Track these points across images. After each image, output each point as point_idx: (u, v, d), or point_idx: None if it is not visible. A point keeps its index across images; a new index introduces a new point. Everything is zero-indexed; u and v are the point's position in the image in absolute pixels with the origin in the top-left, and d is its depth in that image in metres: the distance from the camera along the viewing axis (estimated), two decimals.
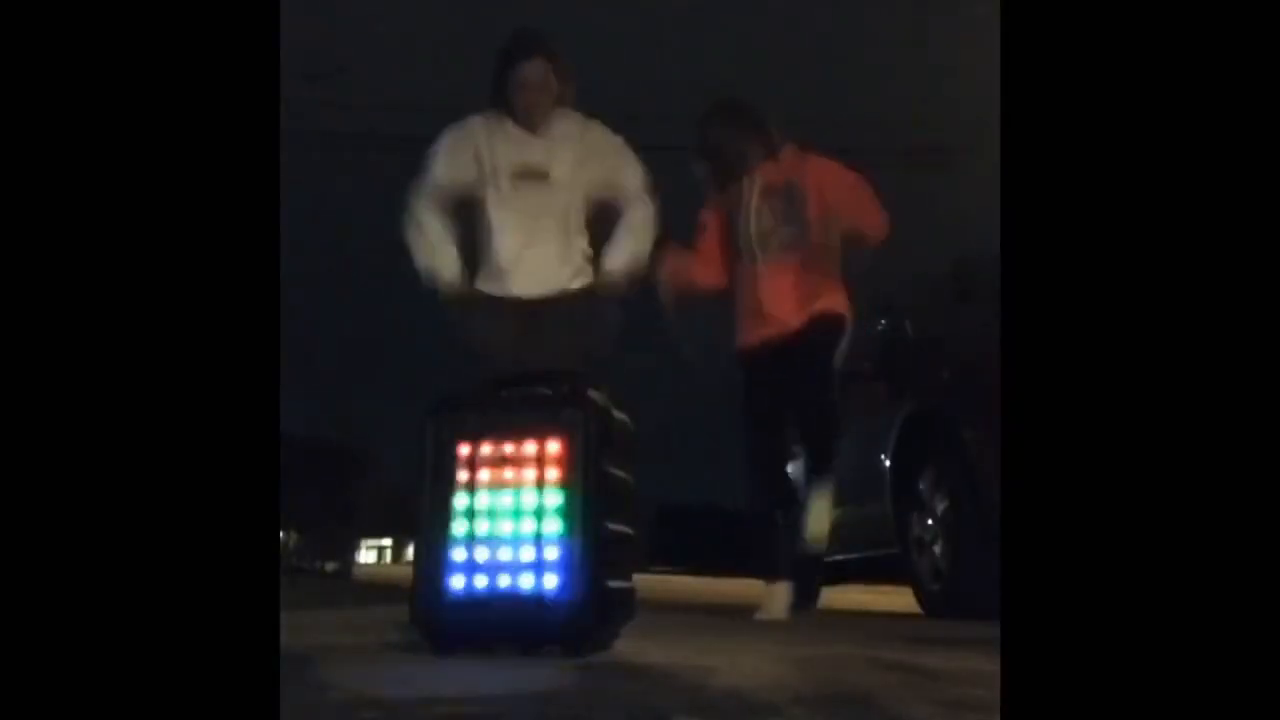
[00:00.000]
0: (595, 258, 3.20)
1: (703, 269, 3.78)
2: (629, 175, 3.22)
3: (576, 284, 3.18)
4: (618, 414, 2.27)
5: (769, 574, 3.69)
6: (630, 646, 2.20)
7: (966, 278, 4.28)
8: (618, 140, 3.25)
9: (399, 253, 3.18)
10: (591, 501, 2.06)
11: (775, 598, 3.62)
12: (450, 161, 3.17)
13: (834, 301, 3.70)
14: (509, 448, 2.10)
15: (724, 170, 3.77)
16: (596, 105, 3.32)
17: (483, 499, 2.10)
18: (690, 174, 3.93)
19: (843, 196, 3.71)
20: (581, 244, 3.20)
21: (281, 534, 9.64)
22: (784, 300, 3.64)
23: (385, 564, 50.58)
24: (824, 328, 3.66)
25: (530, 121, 3.12)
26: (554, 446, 2.09)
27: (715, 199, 3.81)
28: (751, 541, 3.82)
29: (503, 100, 3.13)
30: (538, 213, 3.13)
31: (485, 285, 3.20)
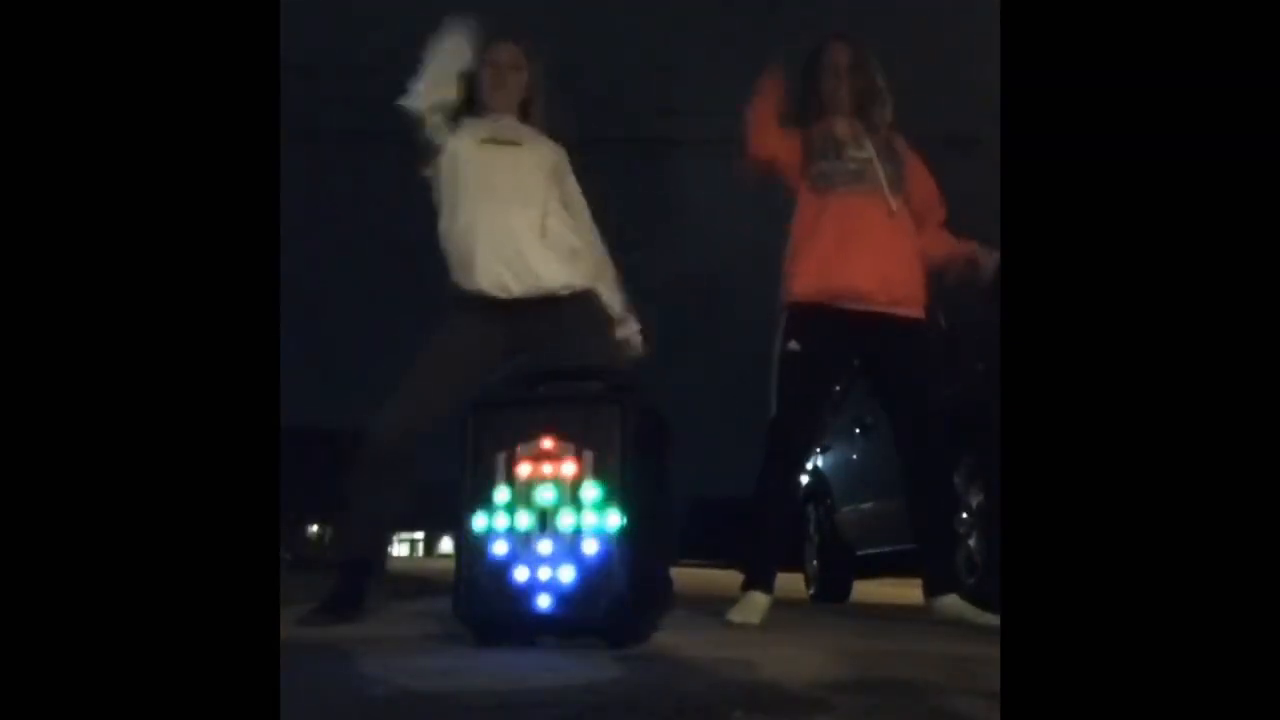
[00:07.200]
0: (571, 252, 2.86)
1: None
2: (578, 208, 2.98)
3: (561, 283, 2.79)
4: (653, 407, 2.29)
5: (756, 578, 3.14)
6: (669, 638, 2.22)
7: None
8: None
9: (422, 250, 3.01)
10: (630, 495, 2.08)
11: (753, 605, 3.07)
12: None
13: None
14: (548, 443, 2.13)
15: (815, 98, 3.18)
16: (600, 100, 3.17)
17: (523, 493, 2.12)
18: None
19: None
20: (557, 228, 2.84)
21: (315, 528, 9.72)
22: (896, 247, 3.07)
23: (418, 557, 51.00)
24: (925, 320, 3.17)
25: (496, 103, 2.95)
26: (593, 441, 2.11)
27: (793, 129, 3.16)
28: (757, 537, 3.26)
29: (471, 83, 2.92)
30: (508, 178, 2.81)
31: (461, 279, 2.81)
